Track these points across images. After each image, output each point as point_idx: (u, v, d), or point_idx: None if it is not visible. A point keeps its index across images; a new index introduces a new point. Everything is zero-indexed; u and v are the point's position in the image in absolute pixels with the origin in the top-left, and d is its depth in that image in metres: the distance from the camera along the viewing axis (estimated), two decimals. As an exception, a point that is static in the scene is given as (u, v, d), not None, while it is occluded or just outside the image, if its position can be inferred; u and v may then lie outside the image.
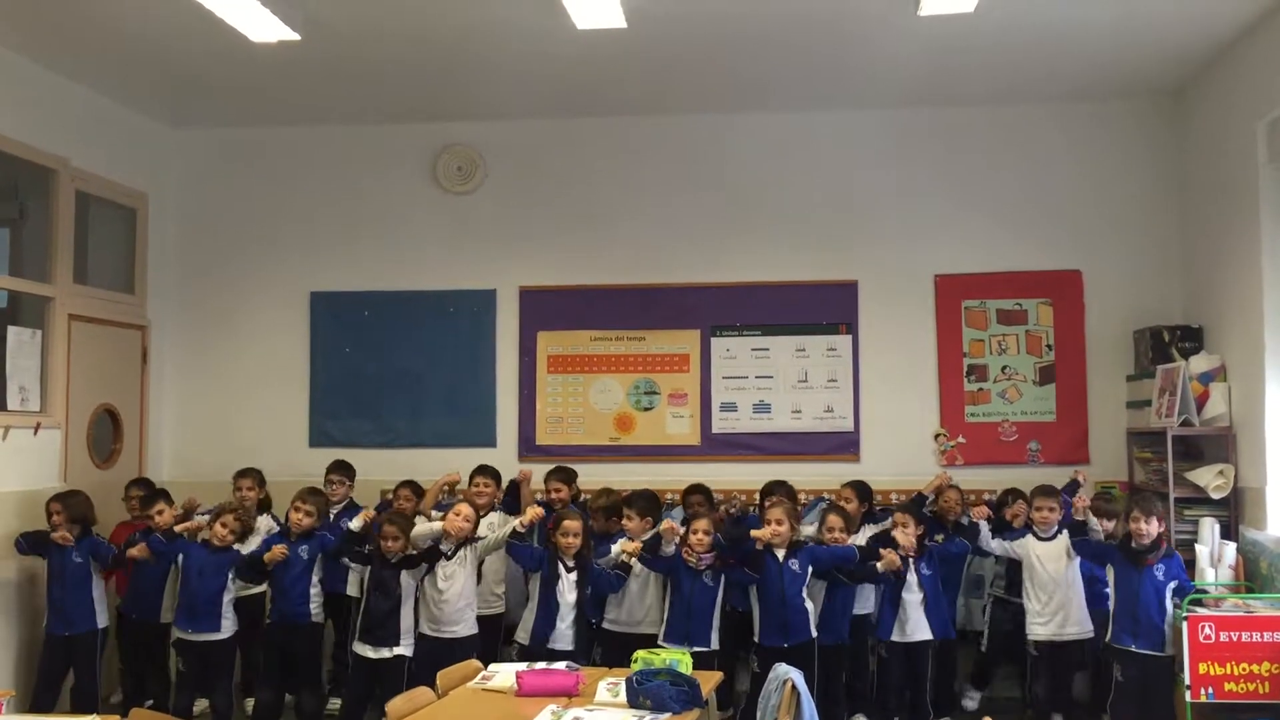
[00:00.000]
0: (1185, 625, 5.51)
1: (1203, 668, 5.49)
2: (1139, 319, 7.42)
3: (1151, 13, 6.19)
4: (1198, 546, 6.34)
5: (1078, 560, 6.28)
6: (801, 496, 7.22)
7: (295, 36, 6.26)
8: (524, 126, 8.05)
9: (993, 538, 6.48)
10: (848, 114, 7.82)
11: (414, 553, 6.03)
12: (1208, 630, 5.51)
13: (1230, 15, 6.24)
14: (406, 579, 6.02)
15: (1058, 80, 7.24)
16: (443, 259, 8.08)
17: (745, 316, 7.86)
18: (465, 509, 6.14)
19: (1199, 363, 6.78)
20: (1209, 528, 6.37)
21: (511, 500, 6.95)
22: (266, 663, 6.49)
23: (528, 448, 7.91)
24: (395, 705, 4.48)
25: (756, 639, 6.01)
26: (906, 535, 6.26)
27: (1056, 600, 6.22)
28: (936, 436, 7.65)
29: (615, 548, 6.18)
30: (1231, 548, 6.27)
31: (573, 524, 5.98)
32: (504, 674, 4.92)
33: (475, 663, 5.21)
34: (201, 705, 6.58)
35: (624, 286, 7.94)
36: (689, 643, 5.80)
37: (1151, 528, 5.80)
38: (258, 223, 8.28)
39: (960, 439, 7.63)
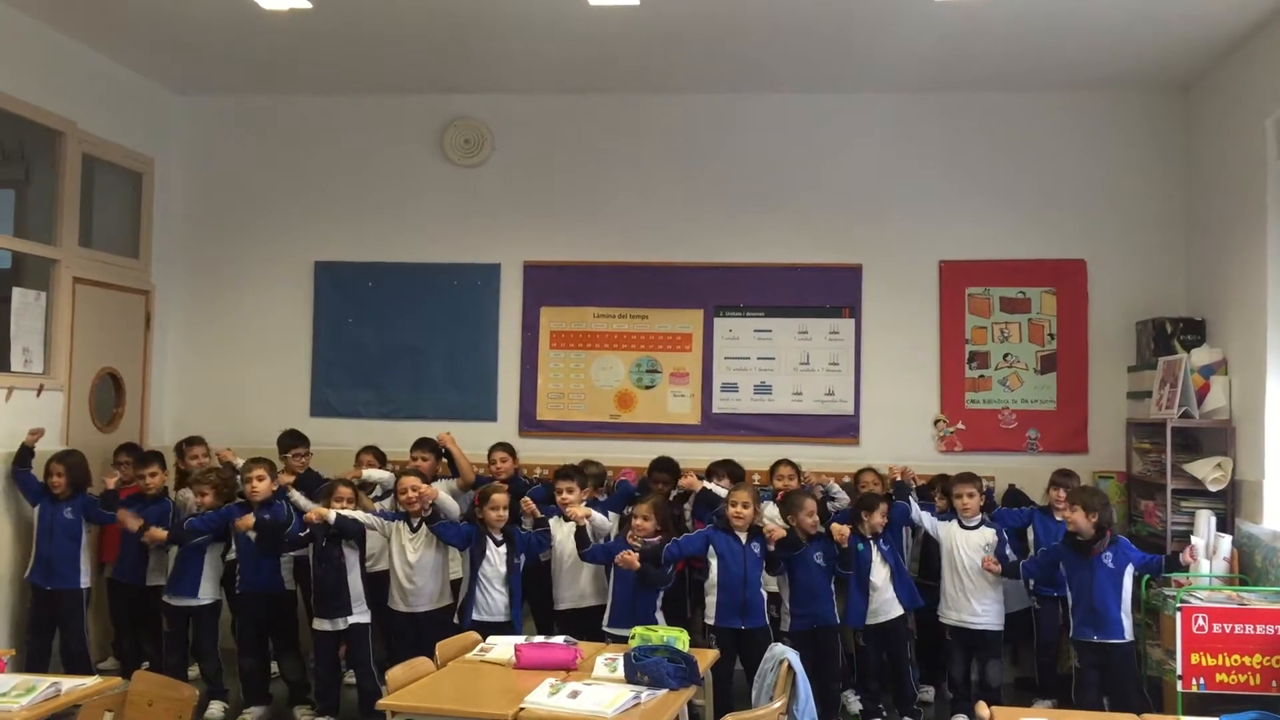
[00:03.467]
0: (1179, 615, 5.54)
1: (1194, 658, 5.52)
2: (1142, 310, 7.44)
3: (1163, 6, 6.18)
4: (1194, 539, 6.35)
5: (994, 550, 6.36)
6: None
7: (306, 5, 6.27)
8: (532, 101, 8.03)
9: (923, 511, 6.59)
10: (857, 97, 7.81)
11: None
12: (1201, 621, 5.53)
13: (1241, 11, 6.23)
14: (347, 548, 6.06)
15: (1068, 70, 7.23)
16: (448, 232, 8.09)
17: (749, 297, 7.88)
18: (411, 480, 6.17)
19: (1200, 355, 6.80)
20: (1205, 520, 6.39)
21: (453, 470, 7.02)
22: (243, 631, 6.51)
23: (528, 423, 7.93)
24: (395, 674, 4.51)
25: (711, 620, 5.99)
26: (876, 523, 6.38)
27: (967, 587, 6.31)
28: (936, 422, 7.68)
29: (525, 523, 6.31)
30: (1227, 540, 6.30)
31: (500, 498, 6.06)
32: (503, 646, 4.95)
33: (474, 634, 5.25)
34: (194, 670, 6.63)
35: (628, 264, 7.95)
36: (635, 623, 5.73)
37: (1078, 516, 5.82)
38: (263, 191, 8.28)
39: (960, 425, 7.65)
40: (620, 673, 4.49)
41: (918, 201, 7.76)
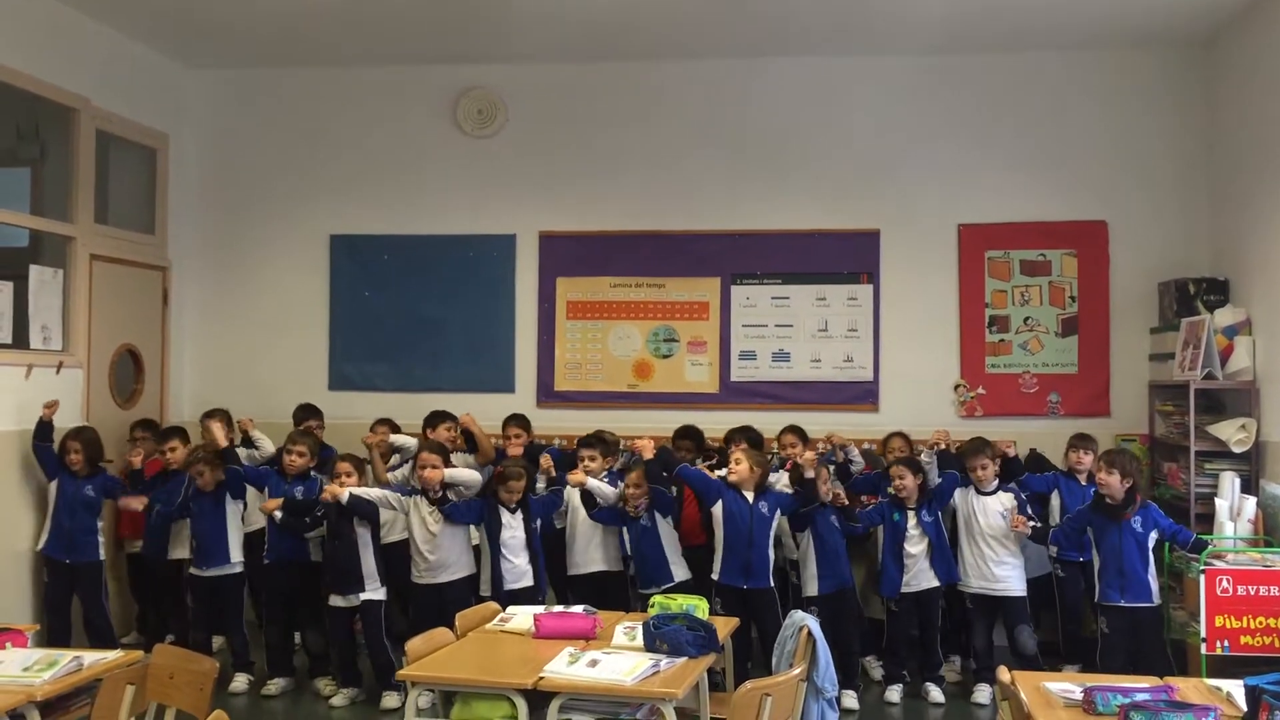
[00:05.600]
0: (1203, 578, 5.49)
1: (1219, 621, 5.48)
2: (1164, 271, 7.35)
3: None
4: (1217, 500, 6.31)
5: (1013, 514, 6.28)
6: (820, 446, 7.24)
7: (316, -25, 6.21)
8: (545, 70, 7.98)
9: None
10: (873, 60, 7.72)
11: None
12: (1225, 584, 5.50)
13: (1267, -39, 6.13)
14: (359, 525, 6.08)
15: (1088, 28, 7.12)
16: (463, 203, 8.06)
17: (766, 264, 7.82)
18: (429, 458, 6.15)
19: (1224, 316, 6.72)
20: (1229, 482, 6.34)
21: (471, 445, 7.03)
22: (269, 602, 6.54)
23: (546, 393, 7.93)
24: (414, 645, 4.52)
25: (716, 576, 6.06)
26: (905, 485, 6.29)
27: (987, 554, 6.23)
28: (956, 387, 7.63)
29: (539, 484, 6.37)
30: (1251, 502, 6.24)
31: (518, 484, 6.09)
32: (522, 616, 4.96)
33: (493, 605, 5.26)
34: (220, 642, 6.68)
35: (644, 233, 7.90)
36: (655, 584, 6.05)
37: (1114, 480, 5.73)
38: (278, 164, 8.27)
39: (980, 390, 7.60)
40: (639, 641, 4.49)
41: (936, 165, 7.68)
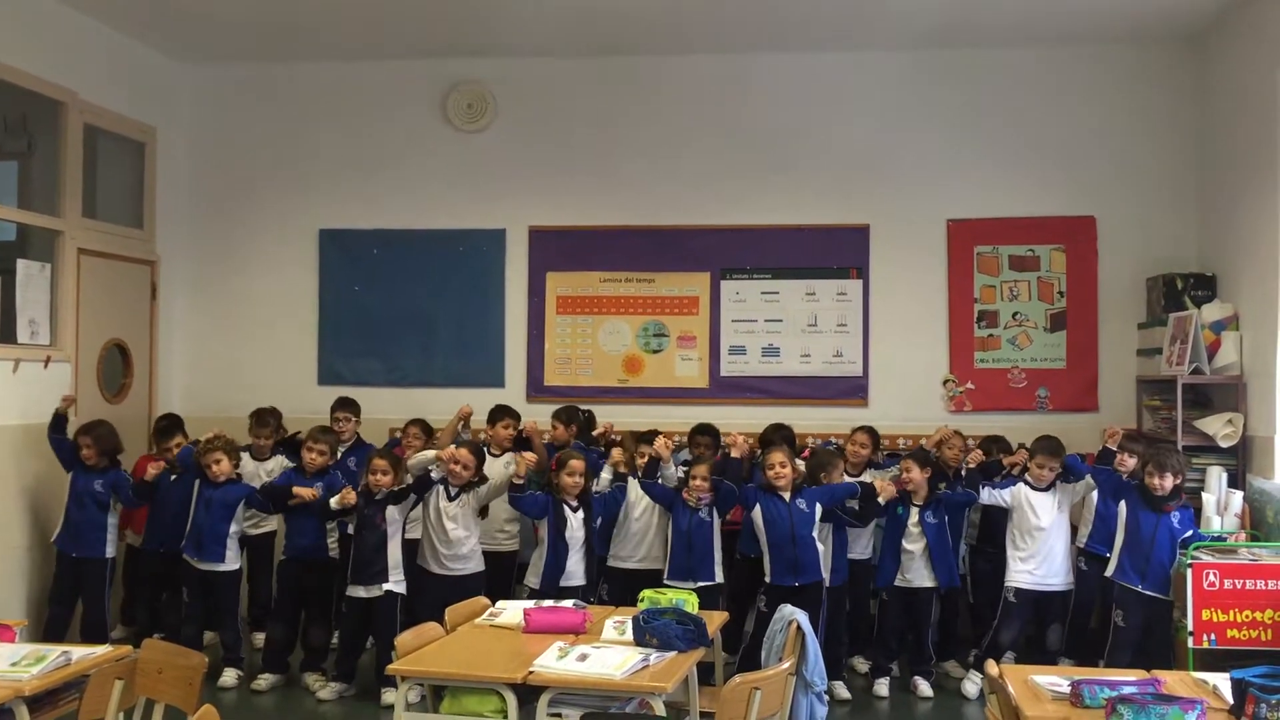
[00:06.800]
0: (1190, 572, 5.52)
1: (1206, 614, 5.50)
2: (1152, 266, 7.38)
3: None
4: (1205, 495, 6.33)
5: (1066, 513, 6.28)
6: (809, 440, 7.26)
7: (305, -31, 6.19)
8: (536, 64, 7.96)
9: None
10: (862, 56, 7.72)
11: (401, 487, 6.10)
12: (1212, 577, 5.51)
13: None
14: (393, 513, 6.08)
15: (1076, 23, 7.14)
16: (452, 198, 8.05)
17: (755, 259, 7.83)
18: (465, 457, 6.16)
19: (1211, 311, 6.75)
20: (1216, 476, 6.36)
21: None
22: (279, 598, 6.54)
23: (536, 388, 7.92)
24: (404, 640, 4.51)
25: (767, 578, 6.06)
26: (912, 478, 6.27)
27: (1042, 549, 6.21)
28: (945, 382, 7.64)
29: (604, 473, 6.33)
30: (1238, 496, 6.27)
31: (578, 464, 6.07)
32: (511, 610, 4.96)
33: (483, 599, 5.25)
34: (212, 638, 6.66)
35: (634, 228, 7.90)
36: (693, 578, 5.99)
37: (1166, 483, 5.78)
38: (267, 158, 8.25)
39: (969, 385, 7.62)
40: (629, 635, 4.49)
41: (925, 160, 7.69)
